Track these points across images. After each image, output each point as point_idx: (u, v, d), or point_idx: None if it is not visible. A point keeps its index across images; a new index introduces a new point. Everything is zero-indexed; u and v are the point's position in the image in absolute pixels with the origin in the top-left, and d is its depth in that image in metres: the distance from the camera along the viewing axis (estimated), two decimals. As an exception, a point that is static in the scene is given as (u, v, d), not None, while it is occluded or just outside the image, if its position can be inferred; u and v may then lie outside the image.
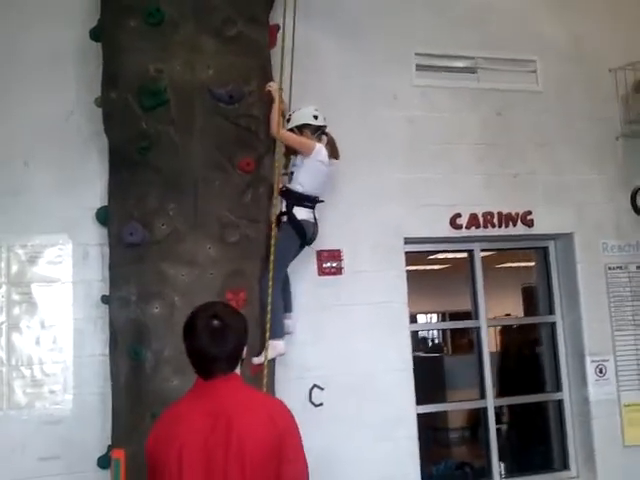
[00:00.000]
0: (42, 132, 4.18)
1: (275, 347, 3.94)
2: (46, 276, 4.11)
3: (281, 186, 4.13)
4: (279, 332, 3.99)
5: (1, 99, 4.17)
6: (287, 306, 4.25)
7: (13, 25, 4.25)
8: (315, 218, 4.22)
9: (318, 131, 4.24)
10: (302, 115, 4.22)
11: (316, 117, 4.23)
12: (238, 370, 2.39)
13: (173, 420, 2.30)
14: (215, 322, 2.28)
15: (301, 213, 4.13)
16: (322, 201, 4.29)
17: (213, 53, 3.94)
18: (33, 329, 4.05)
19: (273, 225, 4.01)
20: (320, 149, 4.16)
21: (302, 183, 4.13)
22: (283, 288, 4.19)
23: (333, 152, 4.29)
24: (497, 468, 5.04)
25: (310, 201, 4.19)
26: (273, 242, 3.96)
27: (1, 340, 4.00)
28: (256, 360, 3.84)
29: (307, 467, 2.32)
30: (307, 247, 4.27)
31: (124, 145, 3.93)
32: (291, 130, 4.20)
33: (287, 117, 4.25)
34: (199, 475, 2.17)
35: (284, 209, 4.12)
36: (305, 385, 4.40)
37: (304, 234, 4.13)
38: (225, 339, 2.29)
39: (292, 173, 4.20)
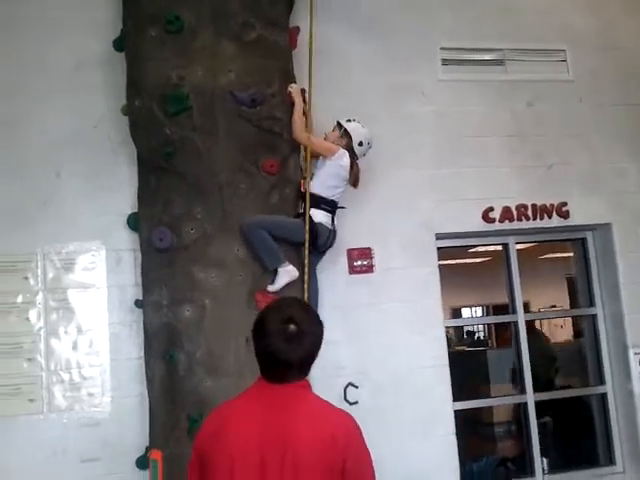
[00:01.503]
0: (72, 142, 4.28)
1: (288, 272, 3.94)
2: (81, 282, 4.21)
3: (302, 189, 4.15)
4: (278, 260, 3.94)
5: (31, 111, 4.28)
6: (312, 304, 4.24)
7: (41, 37, 4.35)
8: (334, 225, 4.21)
9: (348, 146, 4.24)
10: (356, 131, 4.27)
11: (361, 144, 4.28)
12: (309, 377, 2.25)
13: (226, 420, 2.18)
14: (292, 327, 2.14)
15: (318, 216, 4.12)
16: (343, 207, 4.29)
17: (233, 57, 3.97)
18: (70, 334, 4.15)
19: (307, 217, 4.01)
20: (343, 154, 4.17)
21: (320, 184, 4.14)
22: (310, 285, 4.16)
23: (355, 181, 4.30)
24: (539, 464, 4.96)
25: (328, 204, 4.17)
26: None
27: (40, 345, 4.10)
28: (271, 288, 3.89)
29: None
30: (334, 247, 4.29)
31: (150, 152, 4.01)
32: (337, 123, 4.25)
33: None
34: None
35: (302, 210, 4.12)
36: (340, 384, 4.38)
37: (316, 237, 4.09)
38: (302, 345, 2.15)
39: (312, 175, 4.19)
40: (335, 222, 4.23)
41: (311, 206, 4.09)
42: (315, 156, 4.25)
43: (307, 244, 3.98)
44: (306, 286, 3.95)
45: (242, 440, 2.10)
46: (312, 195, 4.12)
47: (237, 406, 2.23)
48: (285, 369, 2.16)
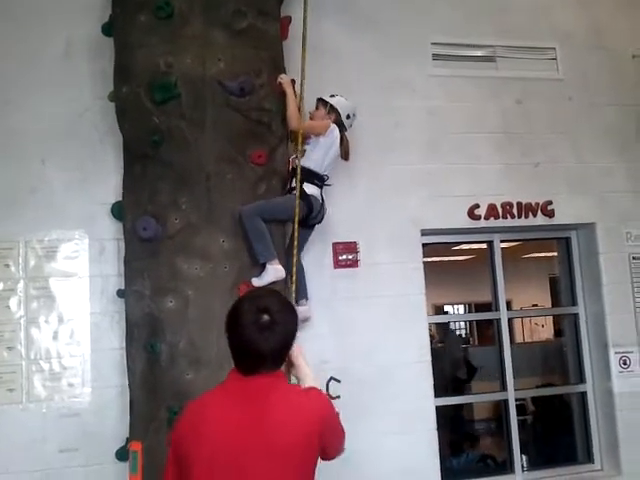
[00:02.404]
0: (58, 129, 4.22)
1: (276, 270, 3.90)
2: (63, 271, 4.16)
3: (292, 165, 4.12)
4: (270, 254, 3.91)
5: (17, 97, 4.22)
6: (302, 293, 4.24)
7: (28, 22, 4.28)
8: (323, 199, 4.20)
9: (336, 121, 4.22)
10: (342, 104, 4.25)
11: (348, 117, 4.27)
12: (282, 367, 2.28)
13: (202, 415, 2.20)
14: (265, 317, 2.15)
15: (310, 189, 4.09)
16: (330, 185, 4.27)
17: (223, 46, 3.92)
18: (51, 323, 4.10)
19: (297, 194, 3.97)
20: (334, 128, 4.17)
21: (315, 160, 4.11)
22: (297, 271, 4.15)
23: (345, 154, 4.30)
24: (519, 461, 4.98)
25: (319, 179, 4.16)
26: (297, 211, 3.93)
27: (20, 334, 4.05)
28: (256, 282, 3.85)
29: (344, 441, 2.33)
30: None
31: (137, 140, 3.95)
32: (321, 100, 4.24)
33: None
34: (230, 477, 2.09)
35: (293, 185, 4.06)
36: (322, 377, 4.34)
37: (311, 208, 4.07)
38: (275, 335, 2.16)
39: (304, 151, 4.13)
40: (323, 196, 4.21)
41: (303, 180, 4.06)
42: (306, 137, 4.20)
43: (297, 218, 3.93)
44: (294, 260, 3.89)
45: (219, 435, 2.12)
46: (305, 169, 4.08)
47: (212, 401, 2.23)
48: (258, 360, 2.17)
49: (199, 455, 2.11)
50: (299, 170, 4.01)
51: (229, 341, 2.20)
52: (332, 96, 4.28)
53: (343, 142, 4.27)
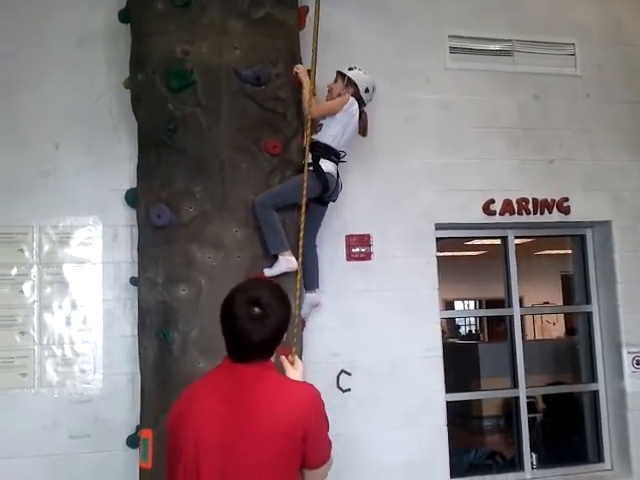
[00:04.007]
0: (73, 114, 4.22)
1: (287, 261, 3.87)
2: (76, 257, 4.17)
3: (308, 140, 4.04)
4: (282, 245, 3.89)
5: (32, 81, 4.22)
6: (313, 282, 4.23)
7: (44, 6, 4.28)
8: (338, 174, 4.15)
9: (354, 94, 4.15)
10: (360, 78, 4.17)
11: (367, 91, 4.19)
12: (273, 358, 2.30)
13: (192, 401, 2.25)
14: (256, 309, 2.18)
15: (327, 165, 4.04)
16: (344, 161, 4.22)
17: (240, 35, 3.92)
18: (64, 309, 4.11)
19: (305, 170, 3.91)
20: (353, 102, 4.11)
21: (332, 135, 4.06)
22: (310, 263, 4.15)
23: (363, 129, 4.24)
24: (528, 458, 4.96)
25: (336, 155, 4.10)
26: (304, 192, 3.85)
27: (33, 319, 4.07)
28: (267, 272, 3.84)
29: (329, 452, 2.27)
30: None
31: (152, 127, 3.96)
32: (339, 73, 4.16)
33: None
34: (215, 462, 2.11)
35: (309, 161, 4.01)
36: (333, 370, 4.38)
37: (327, 186, 4.03)
38: (266, 326, 2.19)
39: (320, 126, 4.10)
40: (339, 173, 4.17)
41: (320, 156, 4.02)
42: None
43: (304, 201, 3.84)
44: (301, 243, 3.78)
45: (206, 420, 2.15)
46: (321, 145, 4.04)
47: (203, 386, 2.29)
48: (249, 349, 2.21)
49: (186, 439, 2.15)
50: (307, 150, 3.95)
51: (222, 330, 2.25)
52: (350, 69, 4.19)
53: (362, 117, 4.20)
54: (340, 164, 4.18)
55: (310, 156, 4.00)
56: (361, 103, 4.20)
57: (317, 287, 4.28)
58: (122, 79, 4.11)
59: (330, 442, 2.29)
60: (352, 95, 4.14)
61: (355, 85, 4.16)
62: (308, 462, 2.20)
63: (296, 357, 2.54)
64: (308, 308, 4.21)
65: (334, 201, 4.23)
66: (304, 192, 3.81)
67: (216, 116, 3.87)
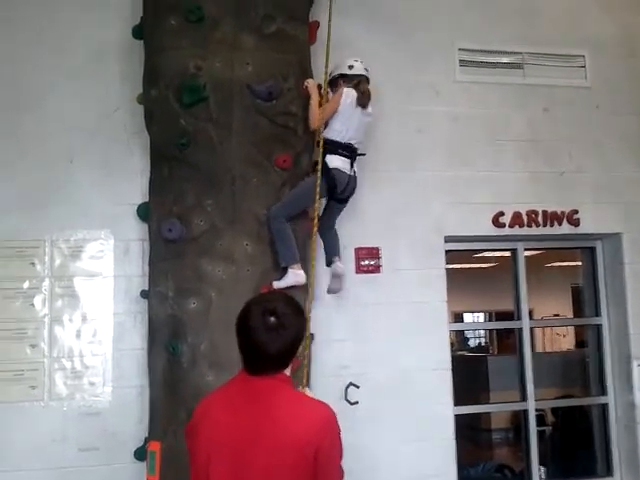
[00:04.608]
0: (87, 129, 4.26)
1: (296, 275, 3.88)
2: (88, 270, 4.19)
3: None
4: (292, 258, 3.89)
5: (47, 95, 4.26)
6: (334, 252, 4.24)
7: (60, 22, 4.33)
8: (354, 171, 4.11)
9: (355, 81, 4.11)
10: (337, 67, 4.15)
11: (351, 67, 4.13)
12: (288, 371, 2.29)
13: (205, 413, 2.25)
14: (272, 319, 2.17)
15: (335, 162, 4.00)
16: (363, 154, 4.21)
17: (252, 50, 3.93)
18: (74, 322, 4.14)
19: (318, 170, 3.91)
20: (347, 92, 4.04)
21: (337, 130, 4.04)
22: (330, 236, 4.18)
23: (363, 100, 4.08)
24: (537, 472, 4.94)
25: (346, 149, 4.06)
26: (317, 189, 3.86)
27: (44, 332, 4.09)
28: (276, 284, 3.85)
29: (342, 477, 2.24)
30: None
31: (164, 142, 3.97)
32: (329, 83, 4.11)
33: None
34: (225, 474, 2.11)
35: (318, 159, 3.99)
36: (341, 383, 4.37)
37: (334, 184, 4.00)
38: (281, 337, 2.18)
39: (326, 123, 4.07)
40: (355, 168, 4.12)
41: (328, 152, 3.99)
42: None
43: (317, 196, 3.85)
44: (313, 245, 3.82)
45: (219, 431, 2.16)
46: (328, 141, 4.00)
47: (218, 397, 2.29)
48: (265, 361, 2.20)
49: (199, 449, 2.17)
50: (321, 145, 3.94)
51: (238, 342, 2.24)
52: (330, 74, 4.14)
53: (364, 92, 4.10)
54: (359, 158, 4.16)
55: (317, 153, 4.00)
56: (360, 83, 4.11)
57: (337, 255, 4.24)
58: (136, 94, 4.14)
59: (343, 471, 2.25)
60: (347, 85, 4.09)
61: (340, 76, 4.13)
62: None
63: (307, 389, 2.52)
64: (337, 284, 4.22)
65: (349, 197, 4.18)
66: (316, 196, 3.83)
67: (228, 131, 3.87)
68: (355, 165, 4.13)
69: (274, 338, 2.17)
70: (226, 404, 2.22)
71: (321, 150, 3.96)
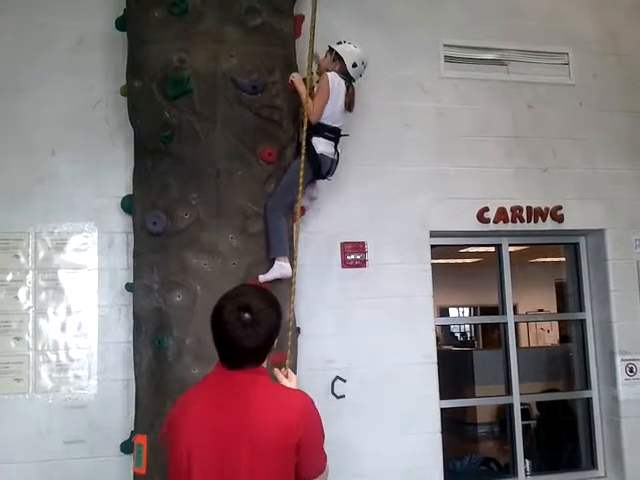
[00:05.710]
0: (70, 121, 4.24)
1: (281, 267, 3.91)
2: (72, 263, 4.18)
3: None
4: (281, 250, 3.93)
5: (30, 87, 4.24)
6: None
7: (42, 13, 4.31)
8: (337, 153, 4.16)
9: (342, 70, 4.13)
10: (348, 52, 4.14)
11: (355, 65, 4.15)
12: (265, 363, 2.31)
13: (183, 410, 2.25)
14: (246, 316, 2.17)
15: (320, 145, 4.05)
16: (346, 134, 4.24)
17: (237, 43, 3.94)
18: (59, 315, 4.12)
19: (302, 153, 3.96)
20: (333, 77, 4.08)
21: (326, 115, 4.06)
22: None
23: (348, 104, 4.17)
24: (522, 465, 4.98)
25: (330, 132, 4.10)
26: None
27: (28, 325, 4.07)
28: (262, 277, 3.87)
29: (325, 463, 2.26)
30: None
31: (148, 134, 3.97)
32: (330, 49, 4.15)
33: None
34: (208, 470, 2.11)
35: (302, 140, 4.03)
36: (327, 377, 4.38)
37: (318, 167, 4.06)
38: (257, 333, 2.18)
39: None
40: (339, 150, 4.18)
41: (313, 134, 4.03)
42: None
43: (300, 188, 3.91)
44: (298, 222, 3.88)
45: (199, 427, 2.15)
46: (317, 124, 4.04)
47: (196, 393, 2.29)
48: (241, 356, 2.21)
49: (178, 446, 2.15)
50: (302, 148, 3.98)
51: (213, 336, 2.24)
52: (339, 43, 4.17)
53: (349, 92, 4.16)
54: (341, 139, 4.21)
55: (301, 135, 4.02)
56: (350, 79, 4.17)
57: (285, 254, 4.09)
58: (119, 86, 4.14)
59: (325, 454, 2.27)
60: (340, 70, 4.12)
61: (342, 60, 4.14)
62: (303, 471, 2.19)
63: (289, 370, 2.54)
64: (278, 273, 4.00)
65: (326, 177, 4.23)
66: (300, 186, 3.89)
67: (212, 124, 3.88)
68: (338, 147, 4.18)
69: (249, 333, 2.18)
70: (204, 400, 2.22)
71: (304, 135, 3.98)
